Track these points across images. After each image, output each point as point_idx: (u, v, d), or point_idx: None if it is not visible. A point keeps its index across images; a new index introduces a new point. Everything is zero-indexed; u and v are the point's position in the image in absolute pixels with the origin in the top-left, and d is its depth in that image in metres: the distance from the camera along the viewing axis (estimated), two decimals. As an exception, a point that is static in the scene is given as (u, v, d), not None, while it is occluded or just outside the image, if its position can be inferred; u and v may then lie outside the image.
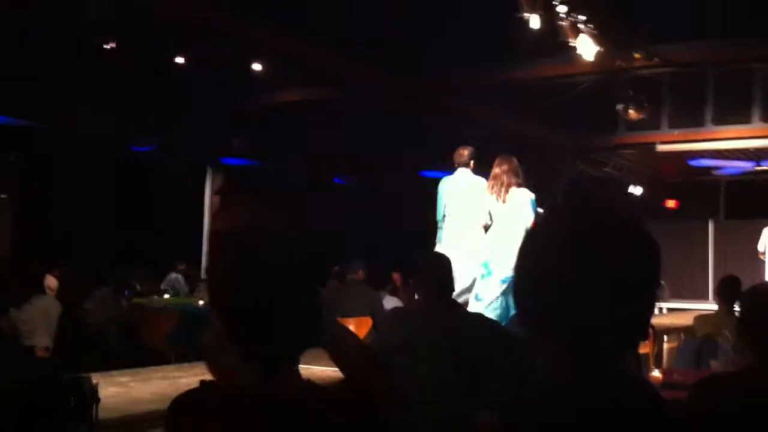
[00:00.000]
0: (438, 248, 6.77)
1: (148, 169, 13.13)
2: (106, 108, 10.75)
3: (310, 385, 1.52)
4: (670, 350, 8.21)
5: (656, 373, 3.51)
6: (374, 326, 6.91)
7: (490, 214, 6.61)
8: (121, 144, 12.66)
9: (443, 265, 3.94)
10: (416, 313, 3.94)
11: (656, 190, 15.05)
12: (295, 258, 1.53)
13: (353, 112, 11.78)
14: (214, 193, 14.01)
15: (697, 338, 5.58)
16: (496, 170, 6.60)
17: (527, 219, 6.37)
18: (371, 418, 1.58)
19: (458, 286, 5.64)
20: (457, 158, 7.05)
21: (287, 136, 12.66)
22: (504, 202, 6.51)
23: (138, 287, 10.71)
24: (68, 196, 12.05)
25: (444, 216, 7.01)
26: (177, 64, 9.96)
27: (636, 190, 14.39)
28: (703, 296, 14.02)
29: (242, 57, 9.90)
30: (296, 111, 11.87)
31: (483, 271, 6.42)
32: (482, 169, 6.93)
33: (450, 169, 7.14)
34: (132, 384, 4.30)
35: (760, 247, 13.53)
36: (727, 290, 5.74)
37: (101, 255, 10.90)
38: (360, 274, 7.56)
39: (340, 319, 6.35)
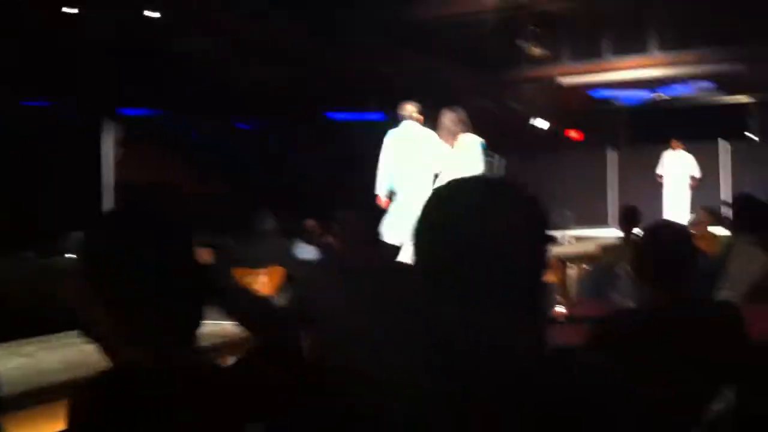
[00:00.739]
0: (391, 197, 7.37)
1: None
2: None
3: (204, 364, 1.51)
4: (576, 277, 8.47)
5: (560, 308, 3.61)
6: (287, 276, 6.90)
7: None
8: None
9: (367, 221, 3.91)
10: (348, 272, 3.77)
11: (559, 122, 15.33)
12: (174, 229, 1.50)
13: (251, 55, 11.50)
14: (116, 143, 13.63)
15: (597, 269, 5.79)
16: (445, 120, 7.16)
17: (479, 161, 7.03)
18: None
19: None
20: (402, 111, 7.47)
21: (186, 84, 12.32)
22: (453, 148, 7.04)
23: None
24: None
25: (391, 168, 7.46)
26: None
27: (542, 124, 14.64)
28: (606, 222, 14.45)
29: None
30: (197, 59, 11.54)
31: None
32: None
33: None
34: (39, 354, 4.19)
35: (659, 170, 14.01)
36: (626, 219, 5.95)
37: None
38: (270, 223, 7.49)
39: (250, 270, 6.28)
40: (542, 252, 1.21)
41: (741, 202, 4.77)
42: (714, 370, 2.35)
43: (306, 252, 7.94)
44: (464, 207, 1.19)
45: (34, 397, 3.38)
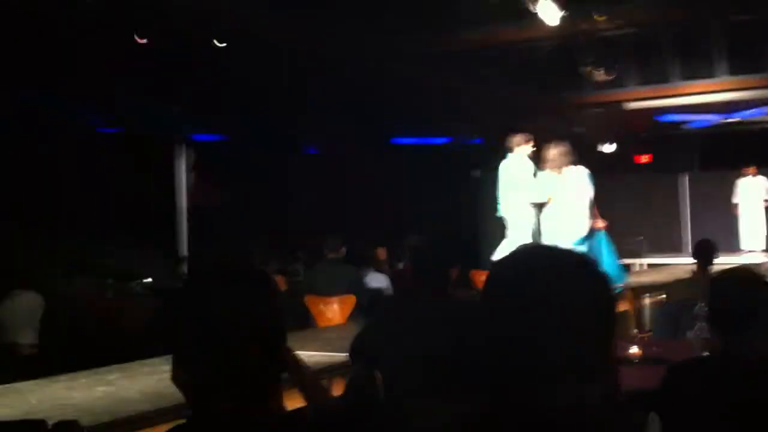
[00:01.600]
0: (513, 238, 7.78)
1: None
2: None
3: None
4: (652, 306, 8.36)
5: (635, 349, 3.60)
6: (358, 304, 6.97)
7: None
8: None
9: (436, 253, 3.90)
10: (408, 305, 3.80)
11: (627, 146, 15.14)
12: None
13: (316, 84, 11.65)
14: (190, 169, 13.95)
15: (673, 303, 5.71)
16: (552, 153, 7.65)
17: (588, 190, 7.56)
18: None
19: None
20: (510, 142, 8.01)
21: (251, 110, 12.51)
22: (563, 180, 7.61)
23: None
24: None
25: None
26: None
27: (608, 148, 14.48)
28: (680, 250, 14.20)
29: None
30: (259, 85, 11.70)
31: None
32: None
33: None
34: (120, 382, 4.32)
35: (734, 199, 13.75)
36: (701, 253, 5.87)
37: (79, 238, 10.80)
38: (340, 251, 7.59)
39: (321, 298, 6.36)
40: (609, 329, 1.25)
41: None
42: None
43: (376, 280, 8.00)
44: (537, 278, 1.23)
45: (118, 428, 3.50)
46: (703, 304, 3.80)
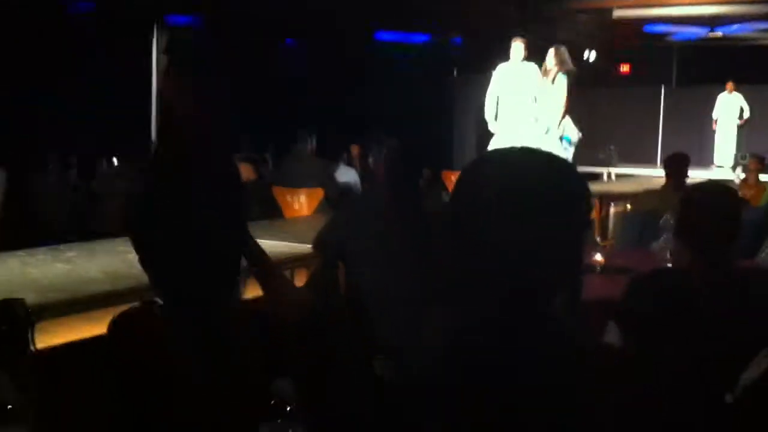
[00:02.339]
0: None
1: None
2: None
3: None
4: (616, 216, 8.40)
5: (598, 258, 3.59)
6: (326, 198, 6.92)
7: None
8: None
9: (409, 154, 3.83)
10: (377, 200, 3.75)
11: (609, 55, 14.99)
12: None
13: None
14: (161, 52, 13.60)
15: (638, 214, 5.70)
16: (550, 58, 7.84)
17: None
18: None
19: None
20: (512, 47, 8.14)
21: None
22: (553, 83, 7.82)
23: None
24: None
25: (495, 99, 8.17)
26: None
27: (591, 57, 14.31)
28: (651, 161, 14.24)
29: None
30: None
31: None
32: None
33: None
34: (78, 260, 4.25)
35: (714, 114, 13.78)
36: (674, 167, 5.83)
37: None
38: (311, 143, 7.48)
39: (289, 189, 6.30)
40: (578, 231, 1.19)
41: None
42: (749, 336, 2.33)
43: (346, 175, 7.94)
44: (509, 179, 1.16)
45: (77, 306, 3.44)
46: (669, 216, 3.80)
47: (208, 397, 1.40)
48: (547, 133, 7.84)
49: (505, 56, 8.34)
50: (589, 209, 1.21)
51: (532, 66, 8.13)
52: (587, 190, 1.19)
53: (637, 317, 2.38)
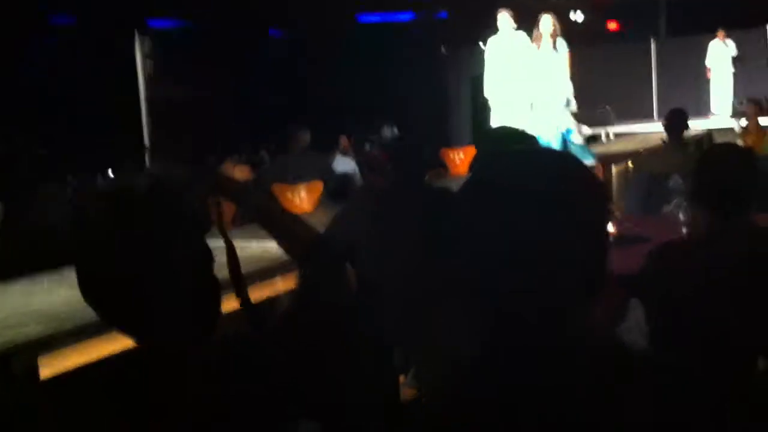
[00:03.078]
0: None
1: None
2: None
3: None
4: (618, 176, 8.29)
5: (610, 228, 3.47)
6: (326, 189, 6.84)
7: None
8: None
9: (415, 142, 3.75)
10: (385, 195, 3.64)
11: (597, 14, 14.84)
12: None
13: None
14: (145, 56, 13.48)
15: (643, 175, 5.59)
16: (541, 25, 7.71)
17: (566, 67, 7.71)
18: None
19: None
20: (499, 19, 7.98)
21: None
22: (556, 50, 7.71)
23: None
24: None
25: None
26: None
27: (577, 16, 14.19)
28: (648, 116, 14.12)
29: None
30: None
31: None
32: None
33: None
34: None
35: (707, 62, 13.64)
36: (673, 123, 5.73)
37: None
38: (305, 138, 7.38)
39: (289, 186, 6.18)
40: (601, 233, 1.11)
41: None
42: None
43: (343, 164, 7.85)
44: (524, 177, 1.08)
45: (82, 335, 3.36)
46: (678, 177, 3.70)
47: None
48: (567, 105, 7.74)
49: (493, 25, 8.18)
50: (609, 211, 1.13)
51: (522, 35, 7.95)
52: (604, 190, 1.12)
53: (660, 292, 2.29)
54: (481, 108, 8.52)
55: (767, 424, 2.00)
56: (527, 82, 7.90)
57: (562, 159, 1.14)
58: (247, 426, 1.31)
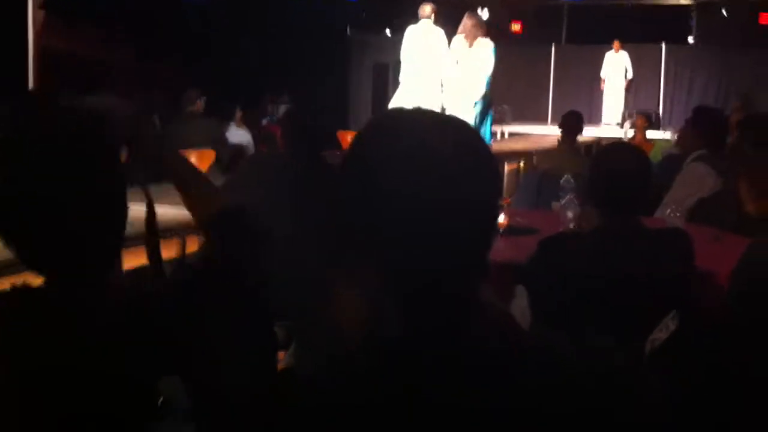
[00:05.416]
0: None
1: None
2: None
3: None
4: (509, 174, 8.45)
5: (501, 218, 3.51)
6: (217, 159, 6.69)
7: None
8: None
9: (313, 115, 3.72)
10: (280, 163, 3.62)
11: (502, 13, 15.03)
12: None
13: None
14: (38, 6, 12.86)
15: (535, 173, 5.73)
16: (467, 22, 7.90)
17: (491, 63, 7.97)
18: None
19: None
20: (421, 11, 8.04)
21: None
22: (470, 48, 7.87)
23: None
24: None
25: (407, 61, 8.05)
26: None
27: (484, 14, 14.32)
28: (543, 119, 14.44)
29: None
30: None
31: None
32: None
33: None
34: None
35: (602, 74, 14.06)
36: (569, 125, 5.87)
37: None
38: (198, 104, 7.20)
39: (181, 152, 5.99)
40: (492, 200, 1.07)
41: (699, 115, 4.64)
42: (658, 297, 2.31)
43: (238, 136, 7.70)
44: (410, 142, 1.02)
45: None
46: (569, 176, 3.78)
47: (84, 398, 1.23)
48: (475, 106, 7.82)
49: (404, 17, 8.25)
50: (500, 174, 1.09)
51: (439, 30, 8.03)
52: (493, 155, 1.07)
53: (547, 281, 2.31)
54: (381, 96, 8.53)
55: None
56: (438, 77, 7.98)
57: (462, 125, 1.09)
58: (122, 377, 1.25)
